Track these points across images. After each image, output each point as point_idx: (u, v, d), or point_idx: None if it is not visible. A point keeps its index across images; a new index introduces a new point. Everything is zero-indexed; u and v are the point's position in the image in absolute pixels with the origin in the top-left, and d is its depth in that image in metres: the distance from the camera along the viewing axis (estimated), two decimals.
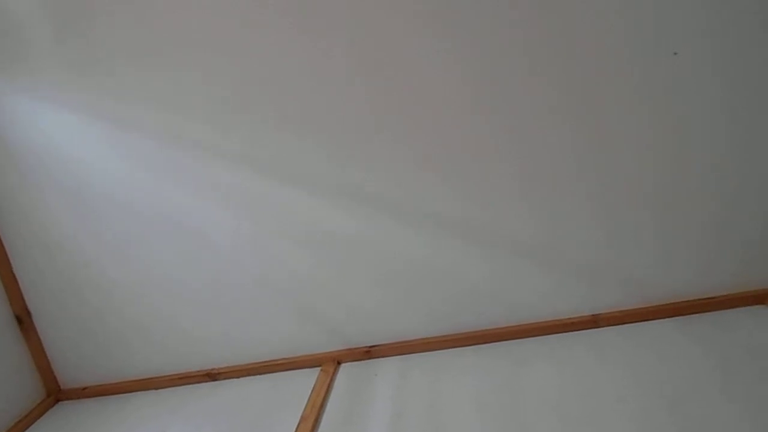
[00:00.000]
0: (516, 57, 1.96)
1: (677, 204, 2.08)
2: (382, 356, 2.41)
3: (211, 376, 2.54)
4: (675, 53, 1.88)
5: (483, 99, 2.03)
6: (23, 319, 2.55)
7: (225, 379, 2.53)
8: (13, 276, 2.53)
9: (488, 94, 2.02)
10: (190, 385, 2.55)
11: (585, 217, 2.14)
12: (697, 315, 2.18)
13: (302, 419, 2.07)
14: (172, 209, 2.33)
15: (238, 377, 2.53)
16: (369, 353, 2.42)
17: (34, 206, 2.41)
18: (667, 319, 2.19)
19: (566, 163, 2.07)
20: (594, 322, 2.24)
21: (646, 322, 2.21)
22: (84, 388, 2.67)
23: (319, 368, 2.42)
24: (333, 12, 1.97)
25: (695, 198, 2.06)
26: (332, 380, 2.32)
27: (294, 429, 2.03)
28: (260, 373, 2.51)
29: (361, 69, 2.04)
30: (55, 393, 2.68)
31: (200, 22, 2.04)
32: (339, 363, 2.44)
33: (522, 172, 2.11)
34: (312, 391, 2.25)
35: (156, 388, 2.59)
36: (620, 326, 2.22)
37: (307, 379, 2.35)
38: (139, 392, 2.60)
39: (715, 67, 1.90)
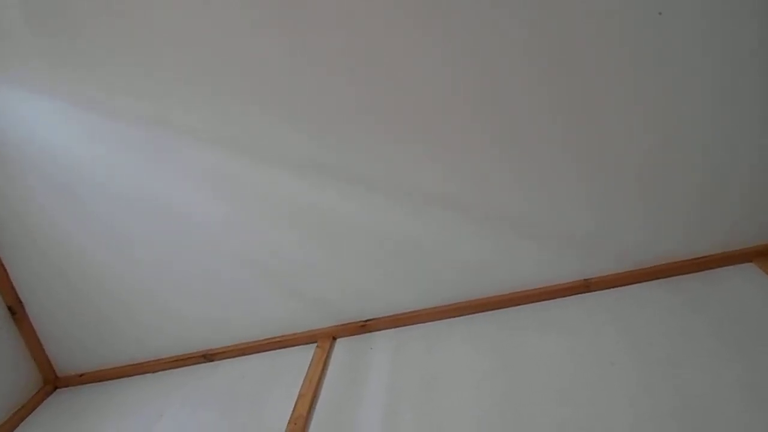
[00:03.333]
0: (499, 32, 1.92)
1: (666, 167, 2.07)
2: (378, 330, 2.43)
3: (208, 357, 2.55)
4: (659, 13, 1.86)
5: (466, 76, 1.99)
6: (16, 310, 2.55)
7: (222, 359, 2.55)
8: (3, 267, 2.51)
9: (471, 72, 1.98)
10: (188, 367, 2.57)
11: (575, 185, 2.13)
12: (687, 275, 2.19)
13: (300, 396, 2.09)
14: (162, 195, 2.31)
15: (234, 357, 2.54)
16: (364, 327, 2.43)
17: (20, 197, 2.38)
18: (657, 281, 2.21)
19: (555, 134, 2.05)
20: (586, 286, 2.26)
21: (637, 285, 2.22)
22: (81, 375, 2.68)
23: (315, 344, 2.43)
24: None
25: (683, 161, 2.06)
26: (329, 356, 2.34)
27: (292, 406, 2.05)
28: (257, 352, 2.52)
29: (344, 51, 1.99)
30: (53, 381, 2.69)
31: (181, 11, 1.99)
32: (335, 338, 2.46)
33: (511, 145, 2.09)
34: (309, 367, 2.27)
35: (153, 372, 2.60)
36: (612, 290, 2.24)
37: (304, 355, 2.37)
38: (136, 376, 2.61)
39: (704, 36, 1.87)
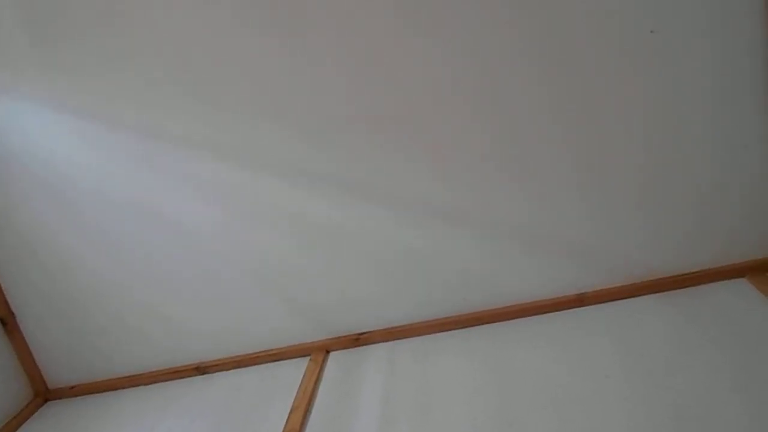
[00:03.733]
0: (497, 36, 1.94)
1: (662, 182, 2.08)
2: (372, 343, 2.42)
3: (200, 370, 2.53)
4: (651, 31, 1.88)
5: (465, 80, 2.01)
6: (7, 321, 2.53)
7: (214, 372, 2.53)
8: None
9: (470, 75, 2.00)
10: (180, 380, 2.55)
11: (570, 199, 2.14)
12: (680, 290, 2.19)
13: (293, 409, 2.08)
14: (155, 204, 2.31)
15: (227, 370, 2.52)
16: (358, 341, 2.43)
17: (14, 205, 2.38)
18: (651, 295, 2.21)
19: (552, 145, 2.07)
20: (580, 300, 2.26)
21: (630, 299, 2.22)
22: (72, 387, 2.65)
23: (308, 357, 2.42)
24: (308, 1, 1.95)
25: (679, 177, 2.07)
26: (322, 369, 2.33)
27: (285, 419, 2.03)
28: (250, 365, 2.50)
29: (339, 58, 2.01)
30: (43, 393, 2.66)
31: (179, 20, 2.01)
32: (328, 352, 2.44)
33: (507, 155, 2.10)
34: (302, 380, 2.26)
35: (145, 384, 2.58)
36: (605, 304, 2.24)
37: (297, 369, 2.36)
38: (128, 389, 2.59)
39: (702, 46, 1.90)
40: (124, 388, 2.60)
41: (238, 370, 2.50)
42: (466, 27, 1.93)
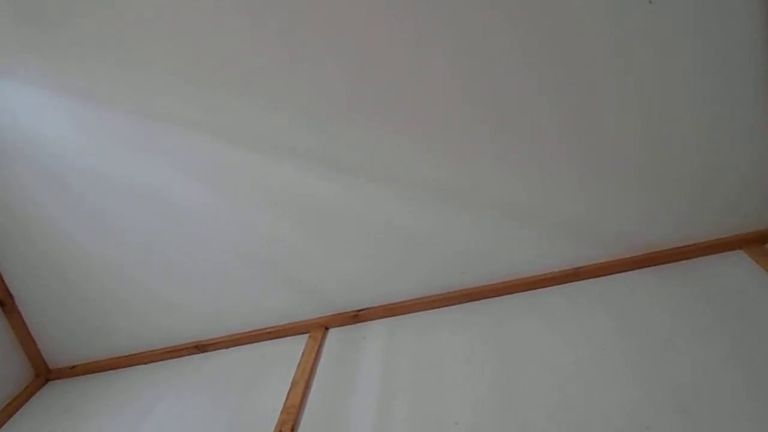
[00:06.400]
0: (493, 18, 1.91)
1: (657, 156, 2.08)
2: (370, 319, 2.43)
3: (200, 348, 2.55)
4: (650, 2, 1.86)
5: (461, 62, 1.98)
6: (6, 302, 2.53)
7: (214, 350, 2.55)
8: None
9: (466, 57, 1.98)
10: (180, 358, 2.56)
11: (566, 173, 2.13)
12: (677, 263, 2.20)
13: (293, 385, 2.10)
14: (153, 185, 2.29)
15: (227, 348, 2.54)
16: (357, 317, 2.44)
17: (9, 188, 2.37)
18: (646, 269, 2.22)
19: (547, 122, 2.05)
20: (575, 275, 2.26)
21: (626, 273, 2.23)
22: (73, 367, 2.67)
23: (307, 335, 2.43)
24: None
25: (675, 149, 2.06)
26: (321, 346, 2.34)
27: (285, 395, 2.05)
28: (249, 343, 2.52)
29: (338, 38, 1.99)
30: (44, 373, 2.68)
31: (169, 2, 1.98)
32: (327, 328, 2.46)
33: (503, 133, 2.09)
34: (301, 357, 2.27)
35: (145, 363, 2.60)
36: (601, 278, 2.25)
37: (296, 346, 2.37)
38: (129, 368, 2.61)
39: (696, 21, 1.87)
40: (124, 367, 2.62)
41: (238, 347, 2.52)
42: (460, 7, 1.90)
